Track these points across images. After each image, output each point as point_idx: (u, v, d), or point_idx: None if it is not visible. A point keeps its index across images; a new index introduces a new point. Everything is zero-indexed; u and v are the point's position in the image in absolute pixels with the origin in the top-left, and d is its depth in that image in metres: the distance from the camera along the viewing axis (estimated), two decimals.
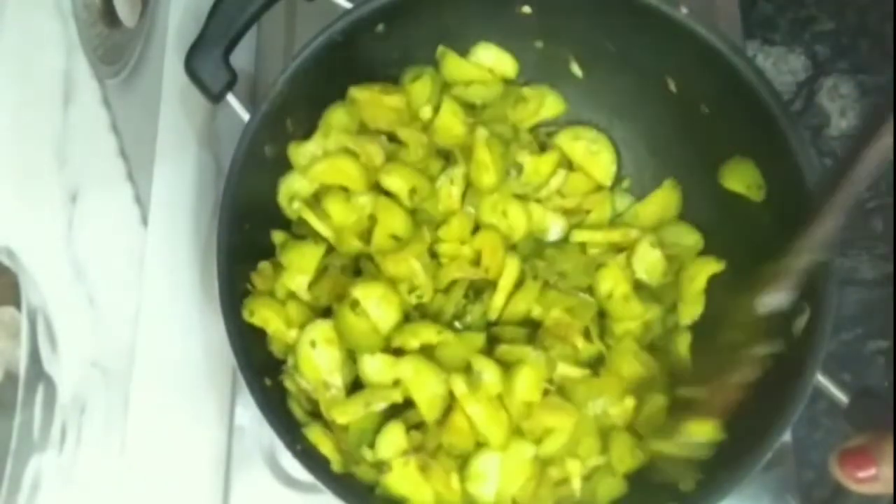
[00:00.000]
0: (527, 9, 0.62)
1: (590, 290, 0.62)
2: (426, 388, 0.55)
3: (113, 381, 0.65)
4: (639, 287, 0.62)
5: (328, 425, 0.56)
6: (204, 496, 0.62)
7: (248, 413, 0.64)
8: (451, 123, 0.63)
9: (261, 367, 0.57)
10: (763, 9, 0.82)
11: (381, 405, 0.56)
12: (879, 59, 0.80)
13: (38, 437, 0.64)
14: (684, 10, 0.56)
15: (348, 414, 0.55)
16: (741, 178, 0.59)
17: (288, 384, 0.57)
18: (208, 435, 0.63)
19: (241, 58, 0.64)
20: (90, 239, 0.69)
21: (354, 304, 0.57)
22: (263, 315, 0.57)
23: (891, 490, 0.43)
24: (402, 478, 0.54)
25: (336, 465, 0.55)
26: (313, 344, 0.57)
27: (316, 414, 0.57)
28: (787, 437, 0.51)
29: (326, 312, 0.59)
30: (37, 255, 0.68)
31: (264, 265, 0.59)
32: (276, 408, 0.55)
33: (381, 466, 0.54)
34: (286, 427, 0.54)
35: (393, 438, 0.55)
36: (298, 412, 0.56)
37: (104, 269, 0.68)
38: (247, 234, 0.58)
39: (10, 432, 0.63)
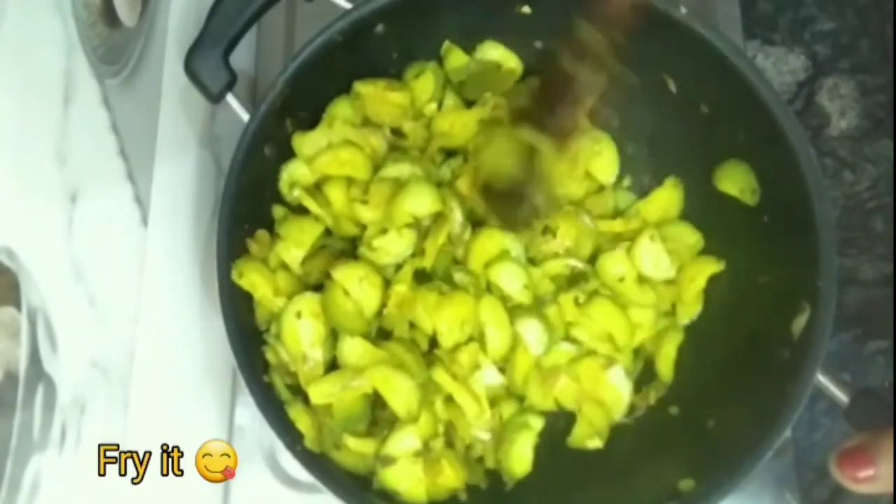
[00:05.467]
0: (526, 9, 0.63)
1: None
2: (397, 392, 0.56)
3: (113, 381, 0.65)
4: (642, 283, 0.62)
5: (312, 406, 0.56)
6: (204, 496, 0.62)
7: (248, 413, 0.64)
8: (454, 118, 0.63)
9: (261, 367, 0.57)
10: (763, 9, 0.82)
11: (354, 391, 0.56)
12: (879, 59, 0.80)
13: (38, 437, 0.64)
14: (684, 10, 0.56)
15: (324, 393, 0.56)
16: (736, 181, 0.59)
17: (269, 356, 0.57)
18: (208, 435, 0.63)
19: (241, 58, 0.64)
20: (90, 239, 0.69)
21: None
22: (252, 279, 0.57)
23: (891, 489, 0.43)
24: (402, 474, 0.54)
25: (310, 441, 0.55)
26: (299, 315, 0.57)
27: (299, 391, 0.57)
28: (787, 436, 0.51)
29: (313, 289, 0.59)
30: (37, 255, 0.68)
31: (262, 233, 0.59)
32: (276, 408, 0.55)
33: (384, 460, 0.55)
34: (286, 427, 0.54)
35: (409, 439, 0.55)
36: (280, 387, 0.57)
37: (104, 269, 0.68)
38: (247, 233, 0.58)
39: (10, 432, 0.63)
